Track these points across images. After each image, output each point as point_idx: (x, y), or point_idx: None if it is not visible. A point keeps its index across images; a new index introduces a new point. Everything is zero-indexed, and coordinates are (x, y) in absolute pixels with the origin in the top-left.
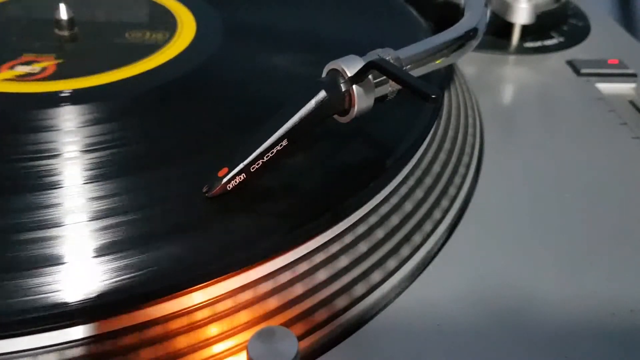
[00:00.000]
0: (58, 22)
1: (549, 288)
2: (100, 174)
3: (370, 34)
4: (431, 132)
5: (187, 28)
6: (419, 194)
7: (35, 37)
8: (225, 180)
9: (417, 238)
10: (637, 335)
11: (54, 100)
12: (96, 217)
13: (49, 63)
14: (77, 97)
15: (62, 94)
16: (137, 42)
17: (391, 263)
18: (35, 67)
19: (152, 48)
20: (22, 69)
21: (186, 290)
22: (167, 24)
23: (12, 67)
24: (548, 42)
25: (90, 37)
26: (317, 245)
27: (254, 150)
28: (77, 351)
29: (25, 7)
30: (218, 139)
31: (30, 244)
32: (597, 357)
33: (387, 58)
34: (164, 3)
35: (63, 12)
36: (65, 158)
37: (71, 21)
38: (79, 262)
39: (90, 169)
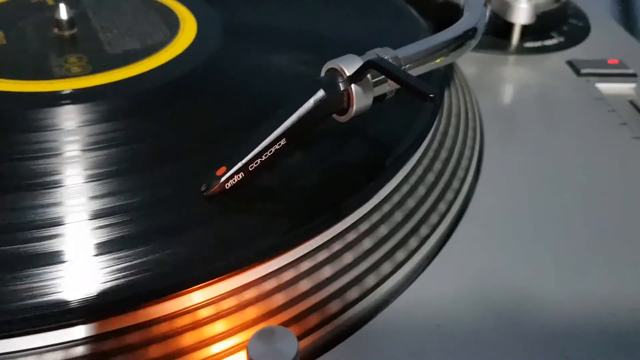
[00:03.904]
0: (58, 22)
1: (549, 288)
2: (100, 173)
3: (369, 33)
4: (431, 131)
5: (187, 28)
6: (419, 194)
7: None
8: (223, 179)
9: (417, 237)
10: (637, 335)
11: (55, 99)
12: (96, 216)
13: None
14: (77, 97)
15: (63, 94)
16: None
17: (392, 262)
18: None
19: (155, 46)
20: None
21: (185, 289)
22: (167, 23)
23: None
24: (548, 42)
25: (92, 37)
26: (316, 245)
27: (253, 149)
28: (78, 350)
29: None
30: (217, 138)
31: (31, 242)
32: (597, 357)
33: (386, 57)
34: (165, 3)
35: (63, 12)
36: (66, 157)
37: (71, 21)
38: (80, 261)
39: (91, 168)
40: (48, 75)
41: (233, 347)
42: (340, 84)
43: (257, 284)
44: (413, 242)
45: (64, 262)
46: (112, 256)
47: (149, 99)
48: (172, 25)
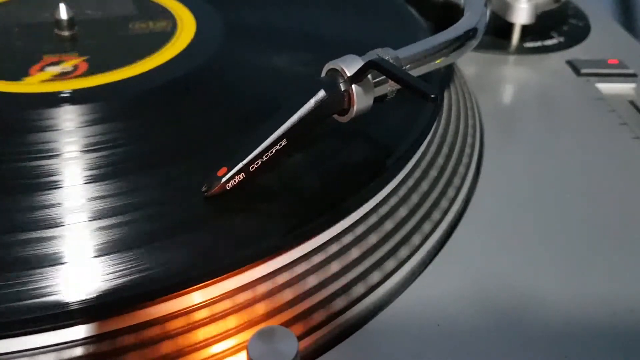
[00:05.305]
0: (58, 22)
1: (549, 288)
2: (100, 174)
3: (370, 33)
4: (431, 132)
5: (187, 28)
6: (419, 193)
7: (41, 39)
8: (224, 179)
9: (417, 238)
10: (637, 335)
11: (54, 100)
12: (95, 217)
13: (77, 61)
14: (77, 97)
15: (62, 94)
16: (142, 35)
17: (391, 263)
18: (66, 66)
19: (159, 42)
20: (54, 69)
21: (185, 290)
22: (166, 23)
23: (42, 69)
24: (548, 42)
25: (94, 36)
26: (316, 245)
27: (253, 150)
28: (77, 351)
29: (23, 8)
30: (217, 139)
31: (30, 244)
32: (597, 357)
33: (387, 58)
34: (164, 3)
35: (63, 12)
36: (65, 158)
37: (71, 21)
38: (79, 263)
39: (90, 169)
40: (47, 76)
41: (233, 347)
42: (341, 85)
43: (256, 284)
44: (413, 242)
45: (62, 263)
46: (111, 257)
47: (149, 99)
48: (171, 25)
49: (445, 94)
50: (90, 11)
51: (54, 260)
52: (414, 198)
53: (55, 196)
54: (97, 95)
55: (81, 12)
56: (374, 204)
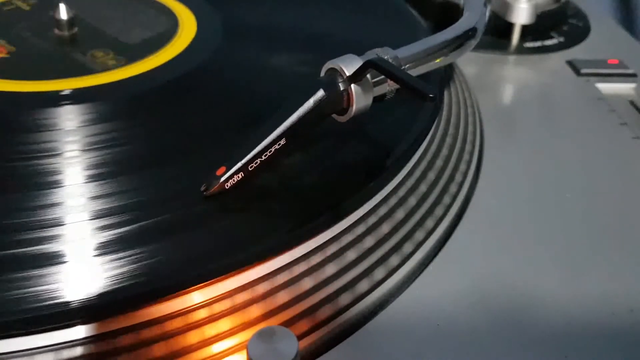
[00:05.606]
0: (58, 22)
1: (549, 288)
2: (100, 173)
3: (369, 33)
4: (431, 131)
5: (187, 28)
6: (419, 192)
7: (39, 33)
8: (223, 179)
9: (417, 237)
10: (637, 335)
11: (55, 99)
12: (95, 217)
13: None
14: (77, 97)
15: (63, 94)
16: (82, 63)
17: (391, 262)
18: None
19: (154, 46)
20: None
21: (185, 290)
22: (165, 25)
23: None
24: (548, 42)
25: (59, 43)
26: (316, 245)
27: (253, 149)
28: (76, 351)
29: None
30: (217, 139)
31: (30, 243)
32: (597, 357)
33: (386, 57)
34: (165, 2)
35: (63, 12)
36: (66, 157)
37: (70, 22)
38: (79, 262)
39: (90, 169)
40: (48, 76)
41: (233, 347)
42: (340, 84)
43: (256, 284)
44: (413, 242)
45: (63, 263)
46: (111, 257)
47: (149, 99)
48: (171, 25)
49: (445, 94)
50: (109, 12)
51: (54, 260)
52: (415, 196)
53: (54, 196)
54: (97, 95)
55: (98, 18)
56: (374, 203)
